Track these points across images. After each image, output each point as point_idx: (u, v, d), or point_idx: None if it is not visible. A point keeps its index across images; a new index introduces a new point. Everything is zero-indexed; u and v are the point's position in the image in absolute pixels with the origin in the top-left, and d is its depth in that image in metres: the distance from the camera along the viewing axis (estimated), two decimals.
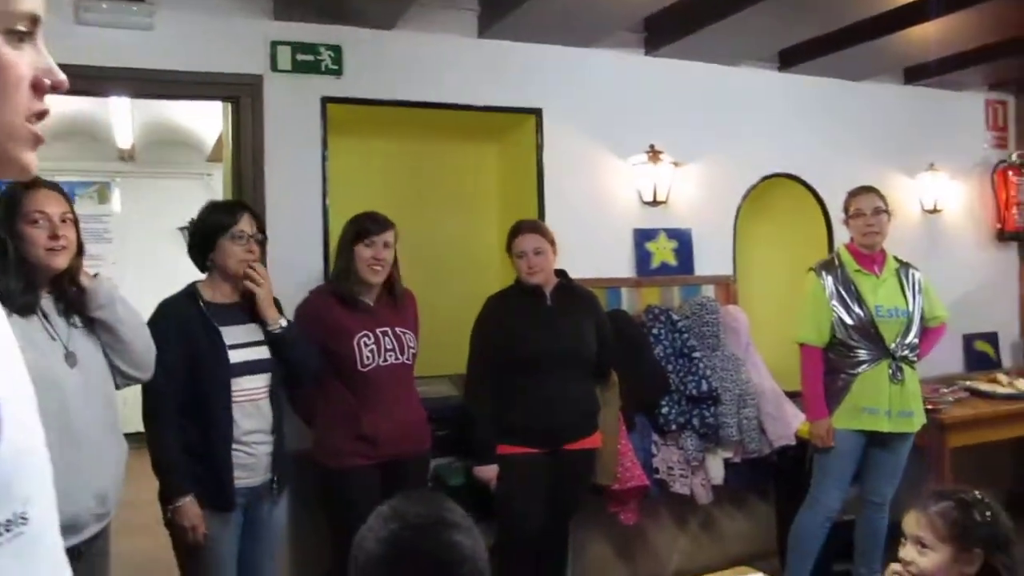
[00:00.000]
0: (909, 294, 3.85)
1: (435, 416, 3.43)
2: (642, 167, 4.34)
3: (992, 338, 5.53)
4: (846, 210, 3.94)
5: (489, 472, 3.41)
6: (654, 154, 4.33)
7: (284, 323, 2.90)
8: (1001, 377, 4.92)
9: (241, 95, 3.63)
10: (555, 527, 3.56)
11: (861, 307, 3.77)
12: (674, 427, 4.07)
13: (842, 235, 4.76)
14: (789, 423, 4.24)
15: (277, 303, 2.95)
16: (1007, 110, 5.66)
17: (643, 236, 4.40)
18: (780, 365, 4.46)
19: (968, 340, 5.41)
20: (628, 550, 4.26)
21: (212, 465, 2.72)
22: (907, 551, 1.98)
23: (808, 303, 3.87)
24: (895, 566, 2.00)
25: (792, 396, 4.35)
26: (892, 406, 3.73)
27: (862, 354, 3.77)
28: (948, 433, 4.21)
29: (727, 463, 4.21)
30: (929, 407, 4.10)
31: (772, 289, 4.91)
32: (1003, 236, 5.53)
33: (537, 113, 4.15)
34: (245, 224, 2.86)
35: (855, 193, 3.93)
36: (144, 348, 2.49)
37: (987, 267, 5.53)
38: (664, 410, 4.06)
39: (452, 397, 3.81)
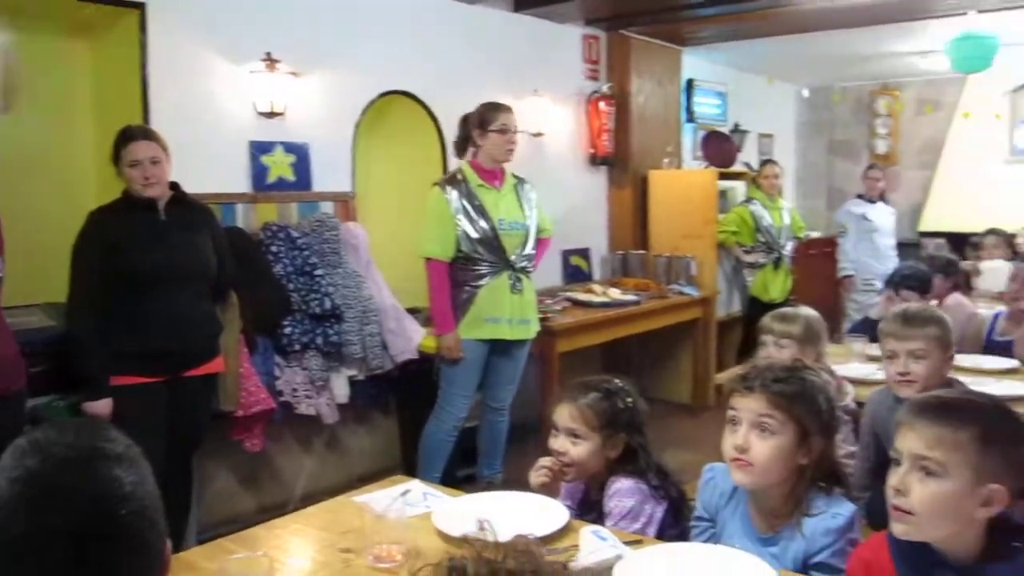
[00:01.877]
0: (526, 207, 4.13)
1: (29, 350, 3.04)
2: (258, 76, 4.15)
3: (585, 253, 6.12)
4: (485, 124, 4.03)
5: (102, 407, 3.11)
6: (271, 62, 4.15)
7: None
8: (595, 288, 5.48)
9: None
10: (178, 461, 3.35)
11: (485, 220, 3.96)
12: (298, 347, 4.00)
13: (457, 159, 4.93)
14: (410, 338, 4.37)
15: None
16: (600, 44, 6.19)
17: (259, 149, 4.23)
18: (399, 282, 4.56)
19: (565, 255, 5.93)
20: (255, 478, 4.16)
21: None
22: (560, 442, 2.13)
23: (433, 218, 3.98)
24: (545, 460, 2.14)
25: (412, 312, 4.48)
26: (513, 314, 4.00)
27: (484, 267, 3.98)
28: (557, 339, 4.62)
29: (351, 381, 4.25)
30: (541, 316, 4.46)
31: (391, 206, 4.99)
32: (595, 160, 6.10)
33: (140, 8, 3.77)
34: None
35: (499, 108, 4.06)
36: None
37: (582, 189, 6.08)
38: (287, 330, 3.98)
39: (47, 328, 3.40)
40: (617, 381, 2.23)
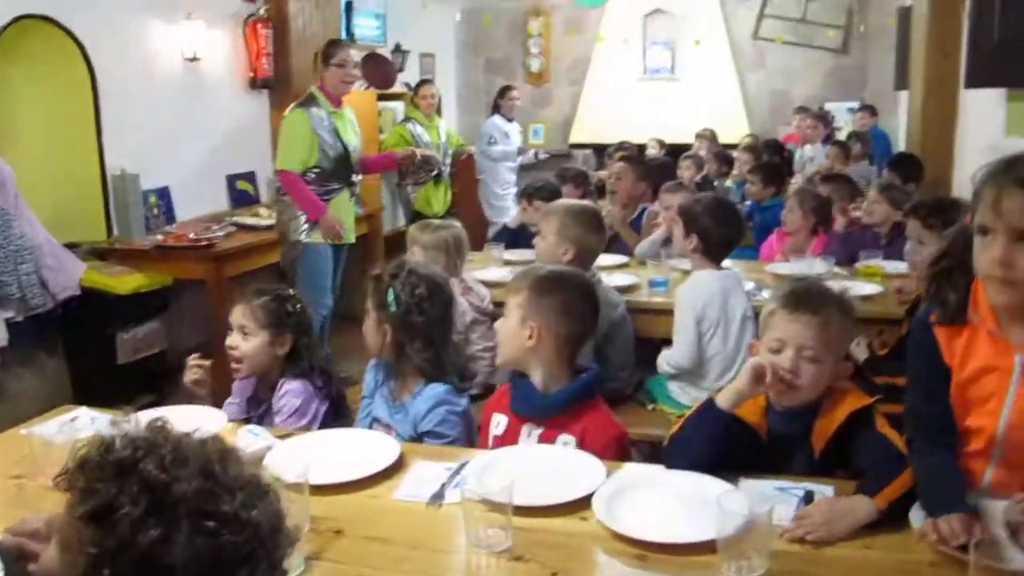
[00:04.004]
0: (357, 131, 4.90)
1: None
2: None
3: (251, 177, 6.23)
4: (327, 57, 4.74)
5: None
6: None
7: None
8: (261, 211, 5.66)
9: None
10: None
11: (339, 142, 4.65)
12: None
13: (108, 86, 4.87)
14: (71, 274, 4.35)
15: None
16: None
17: None
18: (54, 217, 4.51)
19: (231, 180, 6.02)
20: None
21: None
22: (232, 338, 2.48)
23: (296, 135, 4.56)
24: (194, 359, 2.50)
25: (71, 247, 4.46)
26: (352, 224, 4.90)
27: (334, 183, 4.67)
28: (224, 264, 4.79)
29: (9, 323, 4.18)
30: (205, 243, 4.66)
31: (38, 139, 4.84)
32: (256, 84, 6.18)
33: None
34: None
35: (338, 44, 4.84)
36: None
37: (243, 112, 6.16)
38: None
39: None
40: (290, 290, 2.62)
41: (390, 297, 2.31)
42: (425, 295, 2.32)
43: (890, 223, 4.24)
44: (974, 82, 4.28)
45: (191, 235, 4.81)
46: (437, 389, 2.26)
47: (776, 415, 1.96)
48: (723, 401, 1.90)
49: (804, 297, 1.97)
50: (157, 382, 4.39)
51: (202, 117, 5.69)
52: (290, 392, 2.43)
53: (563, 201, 3.41)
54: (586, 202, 3.81)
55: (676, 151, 7.92)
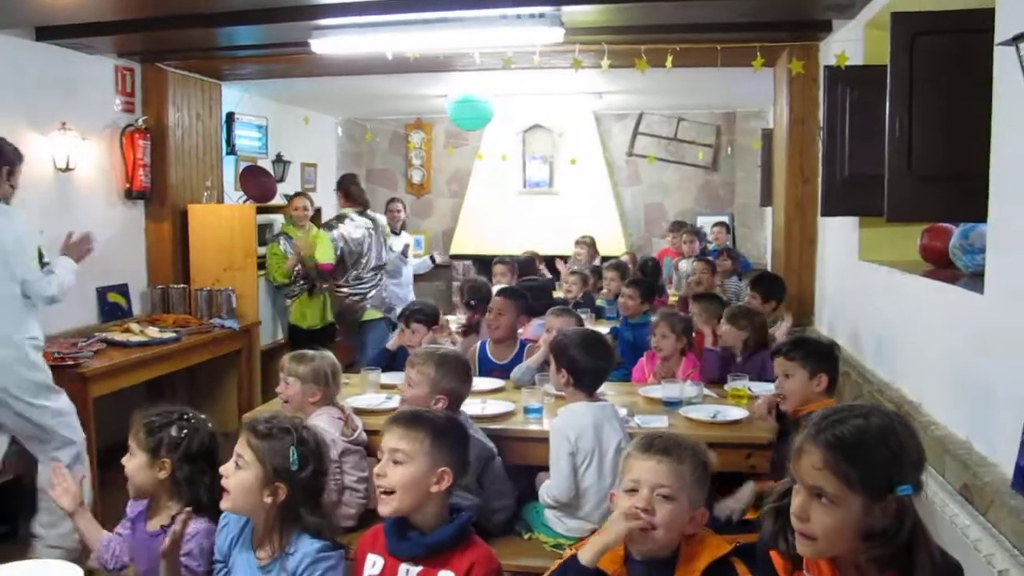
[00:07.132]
0: None
1: None
2: None
3: (123, 289, 6.11)
4: None
5: None
6: None
7: None
8: (133, 326, 5.53)
9: None
10: None
11: None
12: None
13: None
14: None
15: None
16: (135, 77, 6.23)
17: None
18: None
19: (101, 293, 5.89)
20: None
21: None
22: (127, 457, 2.43)
23: None
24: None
25: None
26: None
27: None
28: (91, 383, 4.64)
29: None
30: (72, 361, 4.55)
31: None
32: (131, 195, 6.13)
33: None
34: None
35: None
36: None
37: (117, 223, 6.08)
38: None
39: None
40: (189, 414, 2.52)
41: (293, 457, 2.19)
42: (317, 451, 2.28)
43: (741, 343, 4.47)
44: (829, 210, 4.59)
45: (55, 353, 4.64)
46: (314, 545, 2.18)
47: (636, 566, 2.01)
48: (585, 557, 1.95)
49: (658, 441, 2.09)
50: (12, 512, 4.18)
51: (73, 228, 5.57)
52: (200, 534, 2.37)
53: (433, 354, 3.28)
54: (453, 348, 3.85)
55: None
